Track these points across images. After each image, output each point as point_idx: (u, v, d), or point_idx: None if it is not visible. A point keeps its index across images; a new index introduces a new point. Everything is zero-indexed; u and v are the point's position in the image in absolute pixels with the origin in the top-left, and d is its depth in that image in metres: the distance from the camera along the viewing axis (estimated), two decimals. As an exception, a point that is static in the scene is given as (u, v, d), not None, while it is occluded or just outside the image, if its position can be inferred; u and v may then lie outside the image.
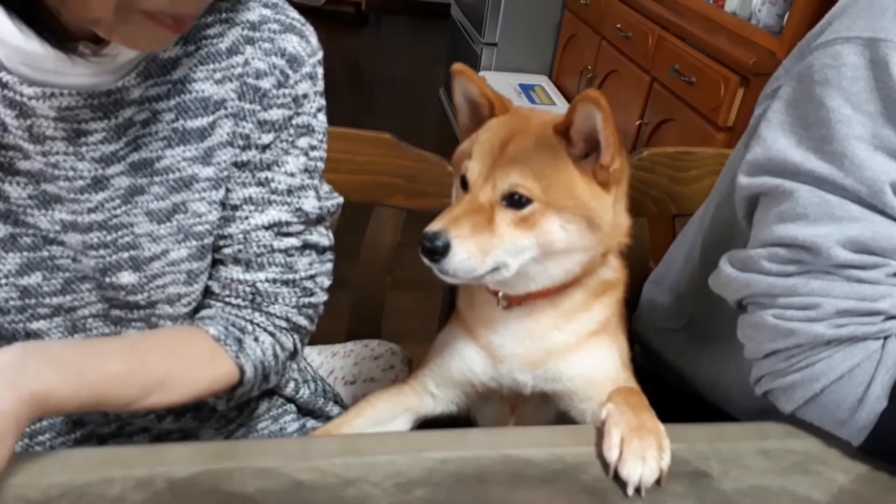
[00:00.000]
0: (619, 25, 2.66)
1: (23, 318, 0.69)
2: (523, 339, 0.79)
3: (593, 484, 0.64)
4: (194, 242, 0.72)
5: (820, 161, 0.70)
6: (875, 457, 0.70)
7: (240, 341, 0.74)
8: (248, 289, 0.76)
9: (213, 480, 0.59)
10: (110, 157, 0.69)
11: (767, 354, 0.73)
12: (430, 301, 1.57)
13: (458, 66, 0.77)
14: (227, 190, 0.74)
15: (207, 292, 0.78)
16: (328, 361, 1.17)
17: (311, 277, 0.79)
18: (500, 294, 0.78)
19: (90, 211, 0.69)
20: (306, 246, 0.78)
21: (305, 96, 0.76)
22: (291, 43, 0.74)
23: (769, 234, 0.74)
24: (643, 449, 0.65)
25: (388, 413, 0.83)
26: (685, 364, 1.04)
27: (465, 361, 0.82)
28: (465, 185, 0.75)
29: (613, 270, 0.81)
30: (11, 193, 0.67)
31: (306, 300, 0.79)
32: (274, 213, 0.75)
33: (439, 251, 0.67)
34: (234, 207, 0.75)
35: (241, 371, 0.73)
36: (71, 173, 0.67)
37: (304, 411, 0.96)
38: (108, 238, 0.70)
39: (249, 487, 0.59)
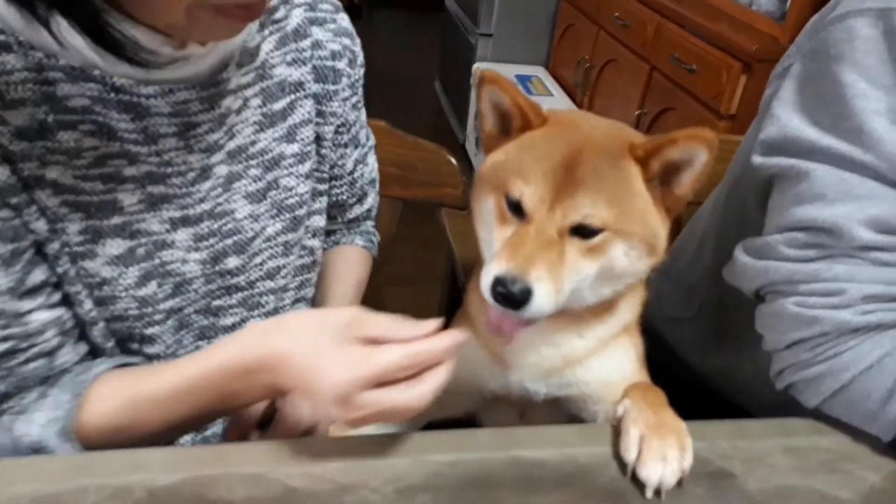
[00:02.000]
0: (616, 14, 2.62)
1: (140, 324, 0.69)
2: (540, 348, 0.74)
3: (610, 486, 0.60)
4: (287, 215, 0.78)
5: (836, 138, 0.67)
6: (908, 453, 0.66)
7: (371, 240, 1.02)
8: (364, 214, 0.99)
9: (198, 488, 0.54)
10: (213, 147, 0.71)
11: (789, 345, 0.70)
12: (426, 296, 1.53)
13: (488, 73, 0.68)
14: (342, 165, 0.89)
15: (330, 232, 0.97)
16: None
17: (377, 172, 1.01)
18: None
19: (200, 201, 0.71)
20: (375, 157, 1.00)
21: (363, 64, 0.88)
22: (346, 21, 0.83)
23: (786, 217, 0.70)
24: (664, 448, 0.60)
25: None
26: (696, 355, 1.01)
27: (473, 369, 0.77)
28: (516, 209, 0.66)
29: None
30: (125, 202, 0.66)
31: (378, 187, 1.03)
32: (370, 159, 0.96)
33: (518, 298, 0.59)
34: (351, 172, 0.91)
35: (374, 259, 1.01)
36: (183, 167, 0.69)
37: None
38: (216, 226, 0.72)
39: (237, 495, 0.54)
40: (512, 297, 0.59)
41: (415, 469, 0.58)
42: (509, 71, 3.20)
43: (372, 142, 0.97)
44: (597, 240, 0.63)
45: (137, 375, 0.64)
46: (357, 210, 0.97)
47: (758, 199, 0.79)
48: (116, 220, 0.65)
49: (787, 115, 0.72)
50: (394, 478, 0.57)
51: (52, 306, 0.64)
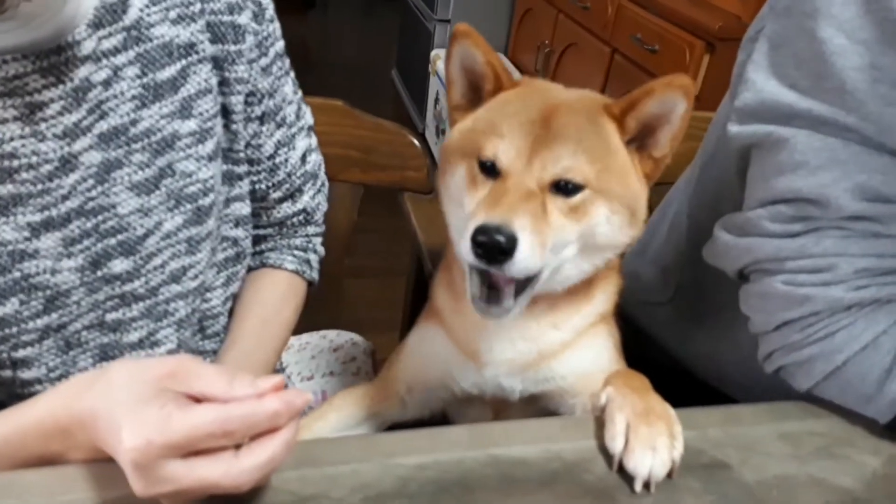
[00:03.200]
0: (576, -3, 2.59)
1: (5, 348, 0.60)
2: (515, 342, 0.70)
3: (599, 484, 0.55)
4: (188, 206, 0.67)
5: (816, 100, 0.63)
6: (907, 435, 0.63)
7: (307, 261, 0.85)
8: (299, 216, 0.83)
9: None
10: (74, 130, 0.59)
11: (779, 326, 0.67)
12: (392, 289, 1.49)
13: (462, 27, 0.66)
14: (257, 146, 0.75)
15: (262, 238, 0.83)
16: (282, 356, 1.07)
17: (321, 168, 0.86)
18: None
19: (64, 198, 0.60)
20: (317, 149, 0.85)
21: (273, 18, 0.74)
22: None
23: (767, 190, 0.67)
24: (652, 437, 0.56)
25: (354, 417, 0.74)
26: (674, 340, 0.98)
27: (444, 367, 0.73)
28: (490, 170, 0.63)
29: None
30: None
31: (325, 189, 0.88)
32: (300, 143, 0.80)
33: (504, 248, 0.56)
34: (271, 157, 0.77)
35: (312, 283, 0.86)
36: (34, 159, 0.58)
37: None
38: (89, 225, 0.62)
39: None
40: (497, 246, 0.56)
41: (383, 475, 0.53)
42: (468, 57, 3.16)
43: (305, 122, 0.82)
44: (578, 198, 0.61)
45: None
46: (287, 208, 0.82)
47: (738, 172, 0.76)
48: None
49: (762, 79, 0.68)
50: (360, 486, 0.52)
51: None
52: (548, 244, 0.59)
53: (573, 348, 0.71)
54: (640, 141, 0.66)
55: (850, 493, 0.57)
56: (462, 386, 0.73)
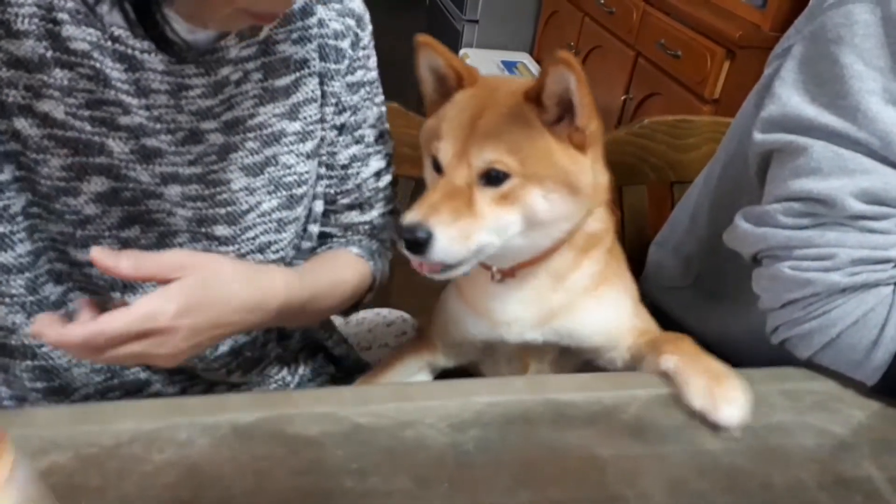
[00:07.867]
0: (602, 1, 2.68)
1: None
2: (522, 304, 0.79)
3: (632, 423, 0.68)
4: (284, 192, 0.78)
5: (833, 116, 0.72)
6: (889, 395, 0.74)
7: (373, 255, 0.90)
8: (365, 226, 0.90)
9: (276, 425, 0.61)
10: (206, 112, 0.71)
11: (784, 304, 0.76)
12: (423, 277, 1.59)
13: (422, 38, 0.73)
14: (332, 153, 0.84)
15: (329, 236, 0.90)
16: (343, 329, 1.19)
17: (395, 199, 0.94)
18: (494, 268, 0.78)
19: (190, 163, 0.71)
20: (396, 179, 0.92)
21: (370, 54, 0.85)
22: (355, 3, 0.81)
23: (784, 189, 0.76)
24: (726, 393, 0.67)
25: (413, 367, 0.86)
26: (693, 321, 1.06)
27: (465, 328, 0.83)
28: (437, 166, 0.72)
29: (599, 221, 0.79)
30: (114, 148, 0.67)
31: (394, 217, 0.93)
32: (374, 163, 0.88)
33: (422, 242, 0.65)
34: (344, 167, 0.85)
35: (373, 280, 0.89)
36: (172, 125, 0.69)
37: (345, 371, 1.00)
38: (206, 192, 0.73)
39: (312, 430, 0.61)
40: (416, 241, 0.65)
41: (463, 408, 0.66)
42: (495, 57, 3.26)
43: (386, 150, 0.90)
44: (507, 186, 0.67)
45: None
46: (355, 217, 0.90)
47: (758, 173, 0.85)
48: (103, 159, 0.67)
49: (787, 94, 0.77)
50: (446, 415, 0.65)
51: None
52: (474, 232, 0.67)
53: (584, 305, 0.79)
54: (565, 116, 0.69)
55: (839, 437, 0.69)
56: (485, 340, 0.82)
